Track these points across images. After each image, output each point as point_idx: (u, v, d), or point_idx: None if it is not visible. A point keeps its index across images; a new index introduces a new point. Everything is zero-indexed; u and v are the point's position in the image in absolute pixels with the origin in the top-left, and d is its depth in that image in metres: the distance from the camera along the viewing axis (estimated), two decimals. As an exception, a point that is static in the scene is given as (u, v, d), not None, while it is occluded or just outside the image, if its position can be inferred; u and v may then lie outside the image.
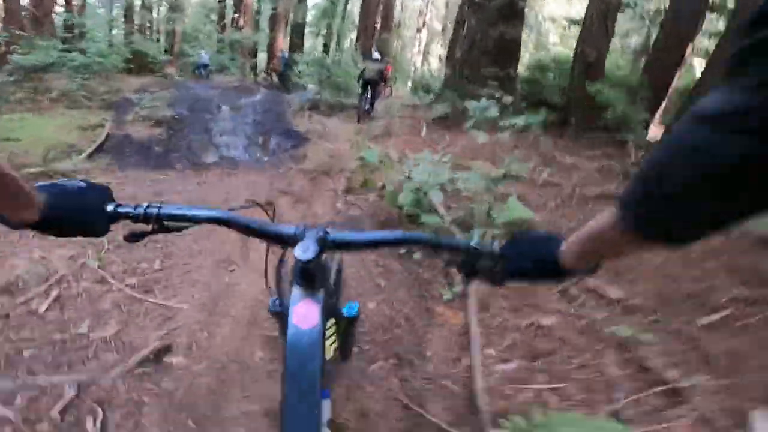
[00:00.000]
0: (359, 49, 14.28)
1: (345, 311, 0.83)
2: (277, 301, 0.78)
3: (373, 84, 7.91)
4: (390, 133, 6.48)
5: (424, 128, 6.53)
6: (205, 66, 13.13)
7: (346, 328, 0.87)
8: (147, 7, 16.76)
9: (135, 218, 0.61)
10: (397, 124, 7.03)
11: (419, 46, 23.60)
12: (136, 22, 15.35)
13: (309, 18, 18.98)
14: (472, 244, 0.64)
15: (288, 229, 0.65)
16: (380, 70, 7.90)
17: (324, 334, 0.60)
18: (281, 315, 0.74)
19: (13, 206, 0.49)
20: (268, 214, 0.73)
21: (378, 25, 16.00)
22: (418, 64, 22.95)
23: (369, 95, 7.99)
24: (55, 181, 0.57)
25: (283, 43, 16.48)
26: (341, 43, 19.43)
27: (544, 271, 0.59)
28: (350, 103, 8.81)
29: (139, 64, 11.19)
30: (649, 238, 0.42)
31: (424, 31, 23.81)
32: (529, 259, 0.60)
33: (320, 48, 18.99)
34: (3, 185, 0.46)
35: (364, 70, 7.84)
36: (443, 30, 26.48)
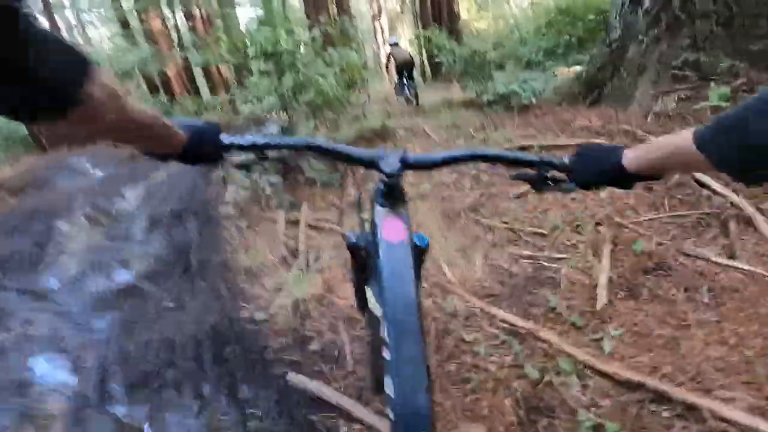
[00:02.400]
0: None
1: (417, 240, 0.71)
2: (354, 235, 0.77)
3: (409, 69, 7.40)
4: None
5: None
6: None
7: (418, 261, 0.76)
8: None
9: (244, 147, 0.70)
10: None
11: (382, 34, 20.35)
12: None
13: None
14: (542, 158, 0.70)
15: (371, 152, 0.70)
16: (409, 53, 7.83)
17: (416, 269, 0.61)
18: (359, 249, 0.75)
19: (165, 145, 0.62)
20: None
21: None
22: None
23: (406, 81, 7.43)
24: (185, 119, 0.67)
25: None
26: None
27: (611, 177, 0.64)
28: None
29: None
30: (718, 167, 0.51)
31: (384, 17, 20.52)
32: (597, 168, 0.65)
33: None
34: (158, 130, 0.58)
35: (390, 55, 7.67)
36: (401, 11, 23.36)
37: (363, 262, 0.78)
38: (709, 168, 0.51)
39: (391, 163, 0.64)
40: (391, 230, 0.61)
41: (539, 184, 0.71)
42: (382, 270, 0.58)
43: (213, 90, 12.53)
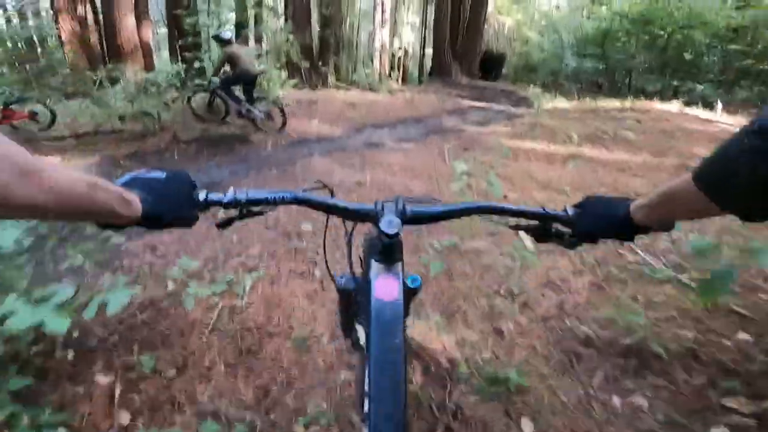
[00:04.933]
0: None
1: (409, 282, 0.70)
2: (344, 279, 0.75)
3: (251, 80, 5.55)
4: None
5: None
6: None
7: (408, 300, 0.74)
8: None
9: (225, 205, 0.63)
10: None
11: (382, 14, 16.10)
12: None
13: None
14: (546, 210, 0.67)
15: (367, 206, 0.67)
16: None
17: (405, 308, 0.61)
18: (349, 292, 0.73)
19: (116, 214, 0.51)
20: (332, 194, 0.74)
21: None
22: (386, 39, 15.57)
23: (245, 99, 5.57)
24: (138, 174, 0.57)
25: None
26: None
27: (618, 229, 0.62)
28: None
29: None
30: (722, 206, 0.47)
31: None
32: (603, 220, 0.63)
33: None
34: (100, 201, 0.47)
35: (232, 57, 5.33)
36: (412, -10, 19.14)
37: (352, 302, 0.76)
38: (714, 209, 0.48)
39: (391, 221, 0.60)
40: (385, 288, 0.60)
41: (542, 236, 0.70)
42: (371, 329, 0.57)
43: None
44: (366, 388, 0.56)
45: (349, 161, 4.43)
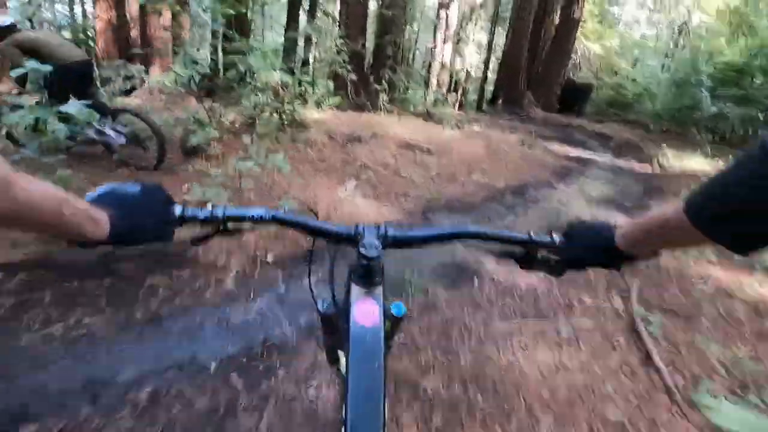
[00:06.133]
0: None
1: (393, 310, 0.68)
2: (327, 303, 0.69)
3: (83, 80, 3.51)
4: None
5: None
6: None
7: (393, 327, 0.73)
8: None
9: (202, 221, 0.60)
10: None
11: (446, 28, 13.71)
12: None
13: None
14: (531, 236, 0.65)
15: (347, 228, 0.64)
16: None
17: (385, 333, 0.58)
18: (331, 318, 0.69)
19: (82, 234, 0.47)
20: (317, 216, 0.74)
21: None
22: (446, 59, 13.16)
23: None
24: (108, 188, 0.54)
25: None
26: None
27: (604, 258, 0.60)
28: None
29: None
30: (711, 237, 0.45)
31: (454, 7, 13.64)
32: (589, 249, 0.61)
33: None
34: (69, 217, 0.45)
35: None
36: (481, 4, 16.73)
37: (335, 328, 0.70)
38: (703, 240, 0.47)
39: (371, 244, 0.59)
40: (365, 313, 0.57)
41: (527, 263, 0.68)
42: (349, 355, 0.54)
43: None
44: (343, 415, 0.50)
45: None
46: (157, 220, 0.55)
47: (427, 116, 8.13)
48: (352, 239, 0.62)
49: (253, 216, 0.62)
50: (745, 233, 0.42)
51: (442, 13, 13.74)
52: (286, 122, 4.80)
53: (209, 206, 0.60)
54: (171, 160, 3.62)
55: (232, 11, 4.22)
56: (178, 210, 0.58)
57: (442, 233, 0.66)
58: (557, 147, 7.42)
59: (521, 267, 0.67)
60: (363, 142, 4.89)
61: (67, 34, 9.18)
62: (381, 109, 7.32)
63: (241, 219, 0.61)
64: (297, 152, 4.32)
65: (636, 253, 0.58)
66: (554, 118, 11.69)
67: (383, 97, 7.39)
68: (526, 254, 0.66)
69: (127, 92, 5.80)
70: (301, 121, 4.97)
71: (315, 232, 0.64)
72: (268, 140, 4.17)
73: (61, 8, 12.83)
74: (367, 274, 0.60)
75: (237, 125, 4.59)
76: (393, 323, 0.65)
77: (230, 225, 0.62)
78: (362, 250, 0.58)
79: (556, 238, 0.64)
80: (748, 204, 0.40)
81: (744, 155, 0.41)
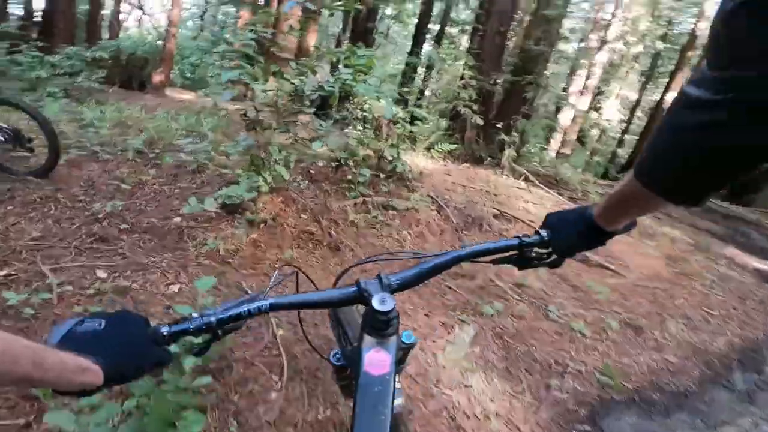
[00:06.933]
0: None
1: (404, 338, 0.70)
2: (338, 354, 0.70)
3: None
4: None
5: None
6: None
7: (404, 356, 0.75)
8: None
9: (194, 333, 0.56)
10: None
11: (585, 80, 11.47)
12: None
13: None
14: (522, 239, 0.68)
15: (350, 290, 0.64)
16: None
17: (395, 382, 0.59)
18: (343, 369, 0.70)
19: (72, 381, 0.44)
20: (310, 279, 0.76)
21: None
22: (580, 111, 10.94)
23: None
24: (73, 329, 0.47)
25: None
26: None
27: (590, 240, 0.64)
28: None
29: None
30: (660, 194, 0.47)
31: (601, 56, 11.34)
32: (574, 235, 0.65)
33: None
34: (55, 372, 0.41)
35: None
36: (637, 56, 14.11)
37: (348, 379, 0.71)
38: (658, 201, 0.48)
39: (383, 298, 0.59)
40: (376, 363, 0.58)
41: (523, 263, 0.71)
42: (356, 403, 0.54)
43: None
44: None
45: None
46: (144, 349, 0.51)
47: (555, 183, 6.13)
48: (360, 299, 0.62)
49: (249, 311, 0.59)
50: (686, 185, 0.43)
51: (585, 60, 11.67)
52: (382, 174, 3.33)
53: (196, 315, 0.56)
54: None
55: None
56: (164, 328, 0.54)
57: (442, 262, 0.67)
58: (738, 255, 4.83)
59: (519, 268, 0.71)
60: (484, 228, 3.17)
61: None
62: (504, 168, 5.58)
63: (235, 318, 0.57)
64: (385, 232, 2.77)
65: (614, 227, 0.61)
66: (728, 210, 8.67)
67: (509, 153, 5.64)
68: (520, 256, 0.69)
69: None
70: (402, 173, 3.46)
71: (319, 305, 0.65)
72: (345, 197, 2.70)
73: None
74: (379, 325, 0.60)
75: (304, 168, 3.22)
76: (404, 351, 0.68)
77: (227, 326, 0.57)
78: (376, 305, 0.58)
79: (543, 233, 0.68)
80: (674, 153, 0.41)
81: (668, 108, 0.42)
